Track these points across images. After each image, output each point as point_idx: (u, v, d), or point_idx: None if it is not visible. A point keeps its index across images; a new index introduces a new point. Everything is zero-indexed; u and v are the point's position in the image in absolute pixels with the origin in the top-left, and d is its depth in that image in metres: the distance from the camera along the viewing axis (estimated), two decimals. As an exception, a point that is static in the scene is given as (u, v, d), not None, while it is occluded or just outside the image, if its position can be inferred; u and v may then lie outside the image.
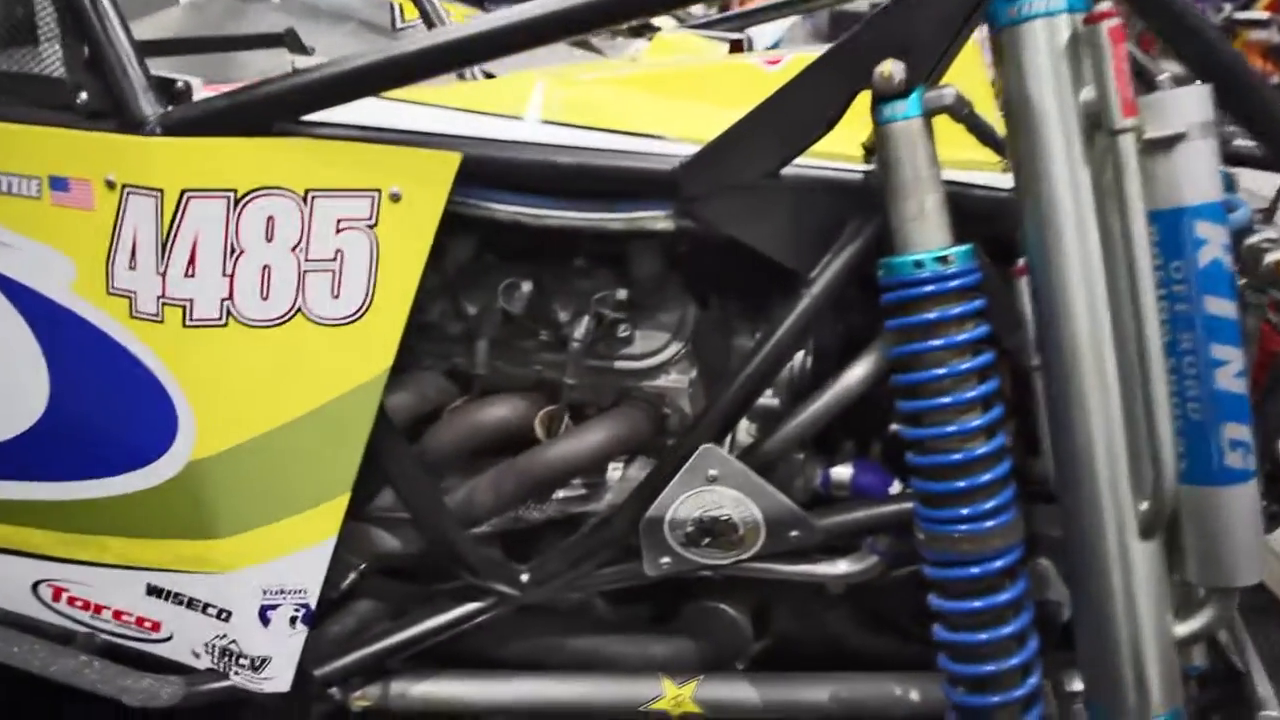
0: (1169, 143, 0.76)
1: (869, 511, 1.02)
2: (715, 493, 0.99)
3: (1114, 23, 0.75)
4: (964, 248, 0.84)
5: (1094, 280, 0.79)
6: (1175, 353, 0.78)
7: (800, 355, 1.05)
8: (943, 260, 0.83)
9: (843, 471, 1.07)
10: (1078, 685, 0.92)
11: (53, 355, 0.98)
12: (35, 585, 1.06)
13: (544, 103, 1.01)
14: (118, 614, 1.04)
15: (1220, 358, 0.77)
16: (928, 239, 0.83)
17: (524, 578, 1.08)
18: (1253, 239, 0.84)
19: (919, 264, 0.83)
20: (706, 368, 1.07)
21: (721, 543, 1.01)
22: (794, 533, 1.00)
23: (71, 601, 1.05)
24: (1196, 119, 0.76)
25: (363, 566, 1.08)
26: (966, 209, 0.87)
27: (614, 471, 1.09)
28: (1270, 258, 0.82)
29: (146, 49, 0.97)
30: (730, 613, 1.16)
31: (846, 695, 1.09)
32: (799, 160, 0.92)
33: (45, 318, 0.97)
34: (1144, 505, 0.79)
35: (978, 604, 0.85)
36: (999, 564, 0.85)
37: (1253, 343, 0.89)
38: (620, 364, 1.07)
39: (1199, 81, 0.81)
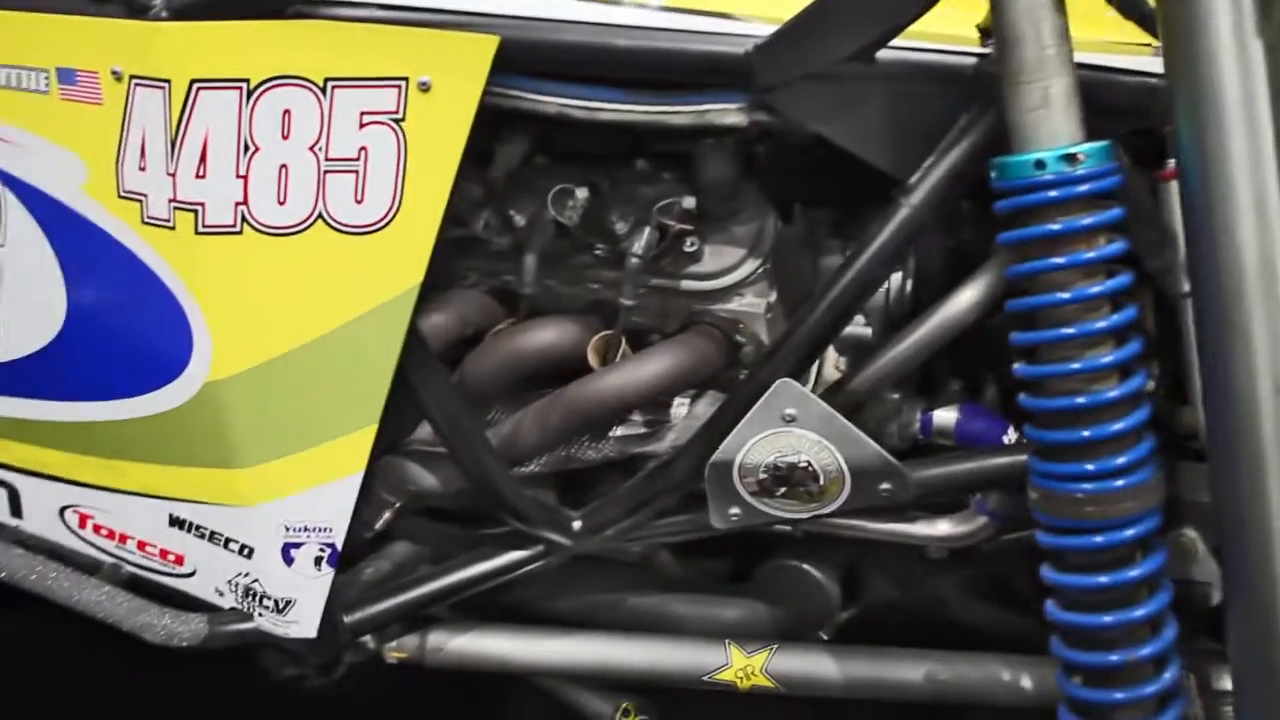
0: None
1: (977, 464, 0.94)
2: (792, 435, 0.92)
3: None
4: (1099, 144, 0.74)
5: (1265, 189, 0.68)
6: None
7: (898, 277, 0.96)
8: (1070, 159, 0.73)
9: (947, 416, 0.99)
10: (1227, 684, 0.83)
11: (68, 265, 0.98)
12: (62, 510, 1.08)
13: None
14: (141, 544, 1.05)
15: None
16: (1053, 133, 0.74)
17: (576, 525, 1.04)
18: None
19: (1040, 164, 0.73)
20: (788, 290, 1.00)
21: (799, 494, 0.95)
22: (885, 485, 0.93)
23: (97, 529, 1.06)
24: None
25: (398, 505, 1.06)
26: (1104, 99, 0.77)
27: (679, 408, 1.03)
28: None
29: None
30: (814, 575, 1.11)
31: (945, 676, 1.03)
32: (897, 43, 0.83)
33: (59, 223, 0.96)
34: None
35: (1102, 579, 0.77)
36: (1130, 532, 0.77)
37: None
38: (687, 284, 1.01)
39: None
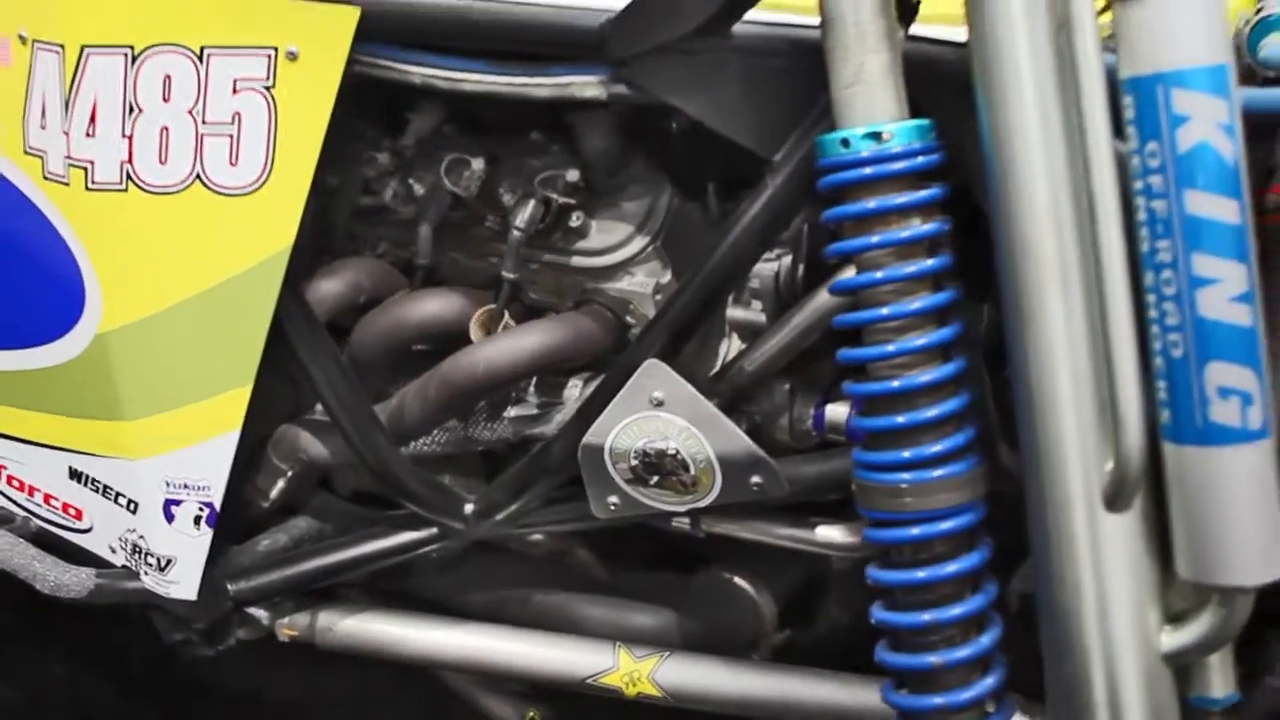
0: (1145, -11, 0.74)
1: (856, 461, 1.05)
2: (660, 420, 1.07)
3: None
4: (912, 123, 0.86)
5: (1053, 168, 0.79)
6: (1152, 265, 0.77)
7: (790, 259, 1.08)
8: (877, 137, 0.85)
9: (839, 411, 1.10)
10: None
11: (-16, 216, 1.21)
12: (-19, 461, 1.32)
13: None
14: (47, 498, 1.27)
15: (1206, 274, 0.76)
16: (866, 110, 0.86)
17: (468, 509, 1.20)
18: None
19: (845, 141, 0.86)
20: (683, 270, 1.13)
21: (673, 483, 1.09)
22: (756, 479, 1.06)
23: (10, 481, 1.29)
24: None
25: (290, 474, 1.25)
26: (945, 74, 0.88)
27: (572, 389, 1.18)
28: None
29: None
30: (744, 589, 1.22)
31: (851, 701, 1.12)
32: (757, 15, 0.96)
33: (-25, 176, 1.19)
34: (1109, 466, 0.79)
35: (919, 575, 0.88)
36: (947, 525, 0.87)
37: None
38: (576, 260, 1.16)
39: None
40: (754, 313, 1.11)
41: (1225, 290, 0.75)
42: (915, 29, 0.92)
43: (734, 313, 1.10)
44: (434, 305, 1.17)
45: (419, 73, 1.06)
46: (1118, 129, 0.77)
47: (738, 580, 1.22)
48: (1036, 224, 0.80)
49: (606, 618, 1.26)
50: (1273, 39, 0.92)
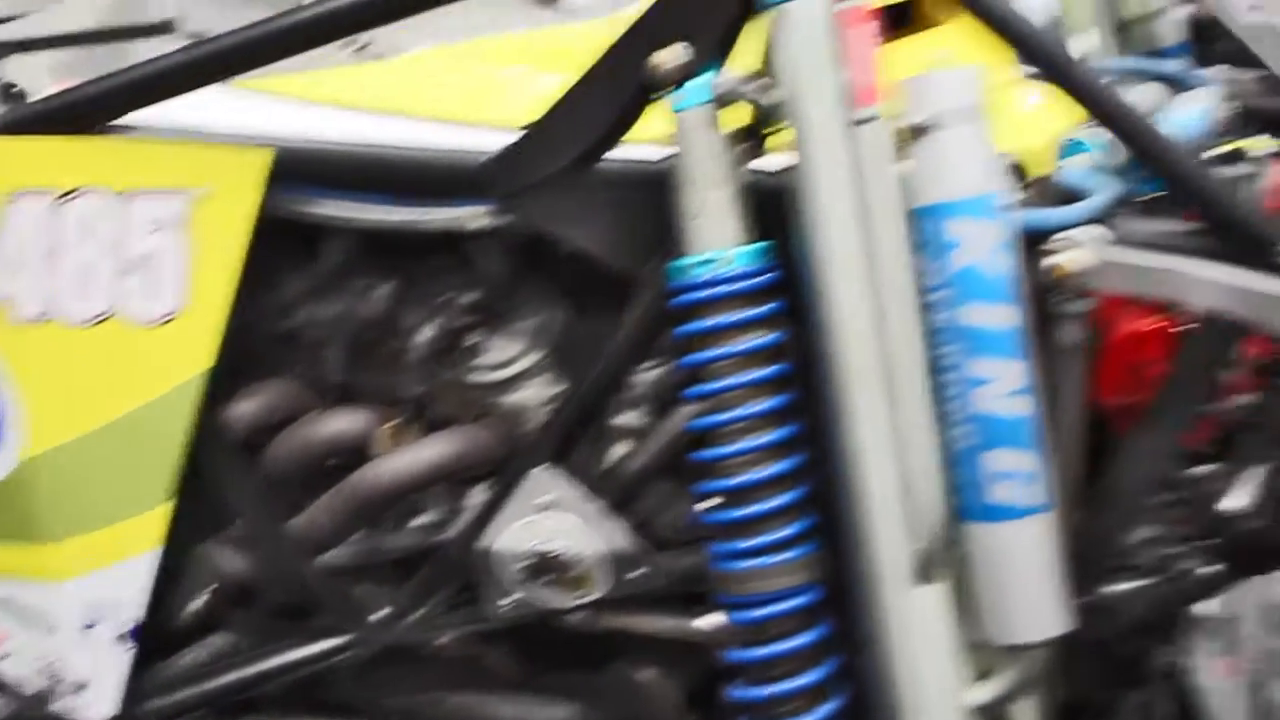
0: (923, 131, 0.96)
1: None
2: (549, 521, 1.24)
3: (852, 4, 0.96)
4: (750, 248, 1.06)
5: (860, 287, 0.99)
6: (941, 369, 0.97)
7: (668, 366, 1.28)
8: (715, 262, 1.05)
9: (713, 506, 1.28)
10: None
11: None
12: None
13: (377, 86, 1.32)
14: (-28, 623, 1.42)
15: (983, 375, 0.95)
16: (709, 239, 1.06)
17: (376, 617, 1.37)
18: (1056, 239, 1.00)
19: (688, 268, 1.06)
20: (572, 380, 1.32)
21: (562, 581, 1.26)
22: (636, 573, 1.23)
23: (-58, 607, 1.45)
24: (953, 105, 0.96)
25: (211, 591, 1.41)
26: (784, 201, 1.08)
27: (473, 497, 1.36)
28: (1051, 261, 0.98)
29: (21, 46, 1.38)
30: (650, 680, 1.38)
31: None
32: (622, 150, 1.17)
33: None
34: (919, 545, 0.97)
35: (762, 652, 1.05)
36: (784, 606, 1.05)
37: (1077, 357, 1.04)
38: (474, 376, 1.35)
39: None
40: (636, 417, 1.29)
41: (1001, 387, 0.95)
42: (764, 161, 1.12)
43: (618, 419, 1.29)
44: (343, 422, 1.35)
45: (326, 210, 1.26)
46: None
47: (643, 672, 1.38)
48: (849, 335, 1.00)
49: (517, 716, 1.42)
50: (1074, 161, 1.14)
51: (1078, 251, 1.00)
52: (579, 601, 1.27)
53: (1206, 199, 1.04)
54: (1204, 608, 1.51)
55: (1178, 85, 1.79)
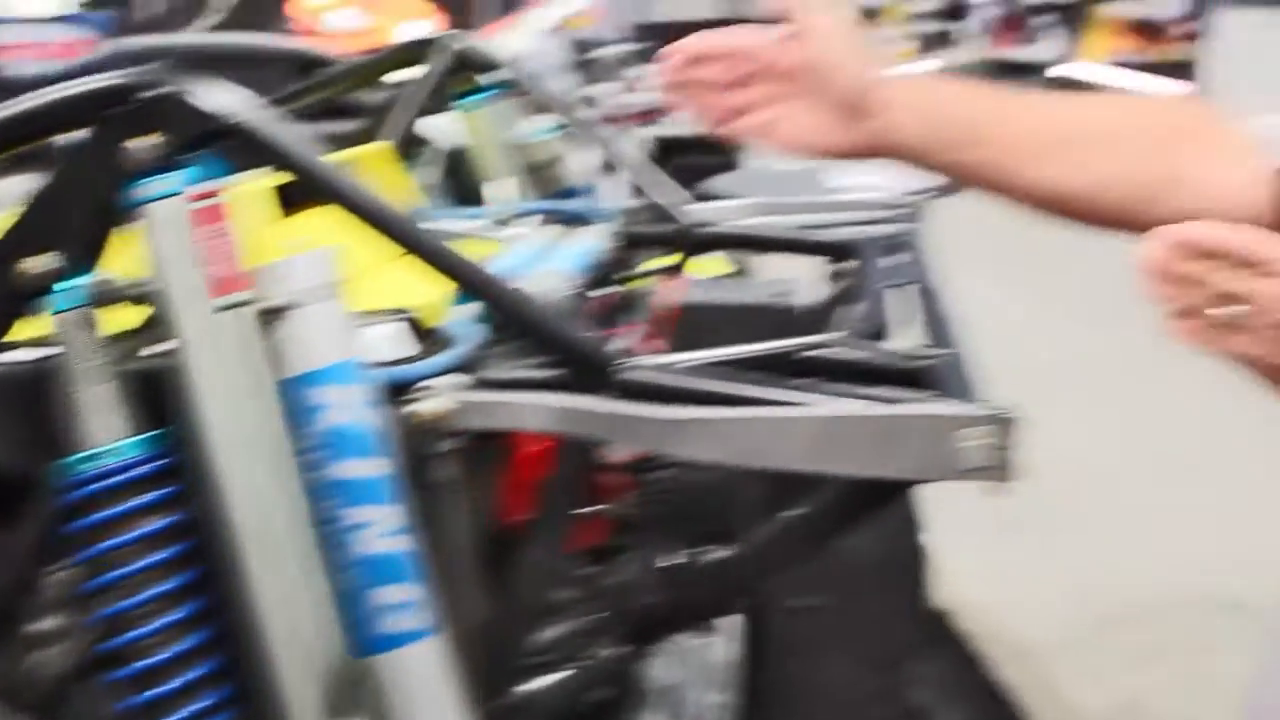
0: (281, 311, 1.07)
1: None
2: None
3: (202, 204, 1.06)
4: (136, 439, 1.12)
5: (239, 458, 1.09)
6: (322, 520, 1.08)
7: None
8: (102, 457, 1.11)
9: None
10: None
11: None
12: None
13: None
14: None
15: (360, 521, 1.07)
16: (96, 434, 1.12)
17: None
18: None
19: (77, 465, 1.11)
20: None
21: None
22: None
23: None
24: (308, 284, 1.08)
25: None
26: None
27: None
28: (413, 409, 1.13)
29: None
30: None
31: None
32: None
33: None
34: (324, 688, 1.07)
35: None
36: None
37: (456, 490, 1.19)
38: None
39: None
40: (54, 620, 1.31)
41: (377, 529, 1.07)
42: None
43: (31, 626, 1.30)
44: None
45: None
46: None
47: None
48: (234, 505, 1.08)
49: None
50: (458, 311, 1.30)
51: (434, 399, 1.15)
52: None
53: (547, 335, 1.23)
54: (649, 678, 1.72)
55: (581, 221, 2.06)
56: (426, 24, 12.76)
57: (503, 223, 2.02)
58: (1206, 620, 3.52)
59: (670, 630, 1.48)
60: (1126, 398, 4.90)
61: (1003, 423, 1.04)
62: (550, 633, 1.38)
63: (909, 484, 1.19)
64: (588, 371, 1.21)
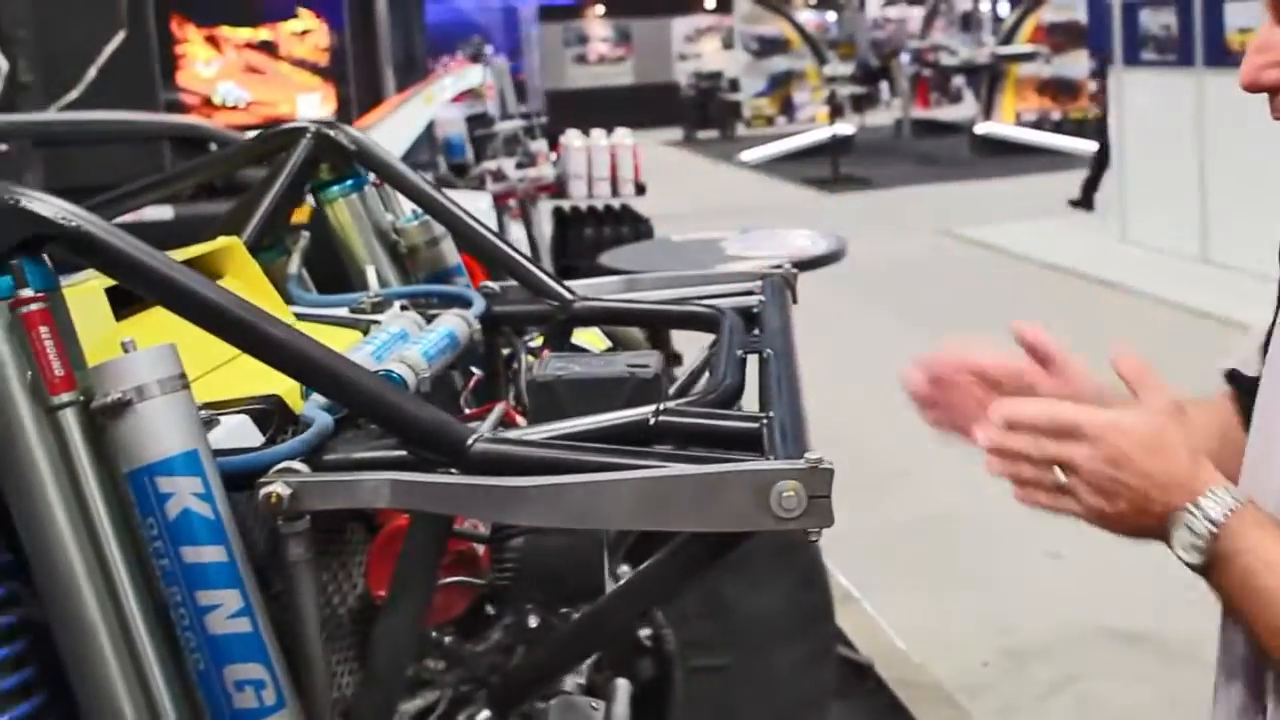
0: (121, 406, 1.12)
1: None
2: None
3: (31, 308, 1.12)
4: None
5: (77, 552, 1.14)
6: (173, 605, 1.13)
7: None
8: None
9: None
10: None
11: None
12: None
13: None
14: None
15: (208, 603, 1.13)
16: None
17: None
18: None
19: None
20: None
21: None
22: None
23: None
24: (148, 378, 1.14)
25: None
26: None
27: None
28: (262, 493, 1.19)
29: None
30: None
31: None
32: None
33: None
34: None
35: None
36: None
37: (306, 567, 1.25)
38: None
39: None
40: None
41: (225, 610, 1.13)
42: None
43: None
44: None
45: None
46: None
47: None
48: (73, 600, 1.13)
49: None
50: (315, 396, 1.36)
51: (279, 482, 1.20)
52: None
53: (394, 416, 1.29)
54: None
55: (453, 302, 2.12)
56: (316, 97, 12.91)
57: (367, 309, 2.09)
58: (1107, 652, 3.63)
59: (536, 693, 1.54)
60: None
61: (815, 474, 1.13)
62: (418, 702, 1.43)
63: (742, 535, 1.26)
64: (435, 448, 1.28)
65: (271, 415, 1.47)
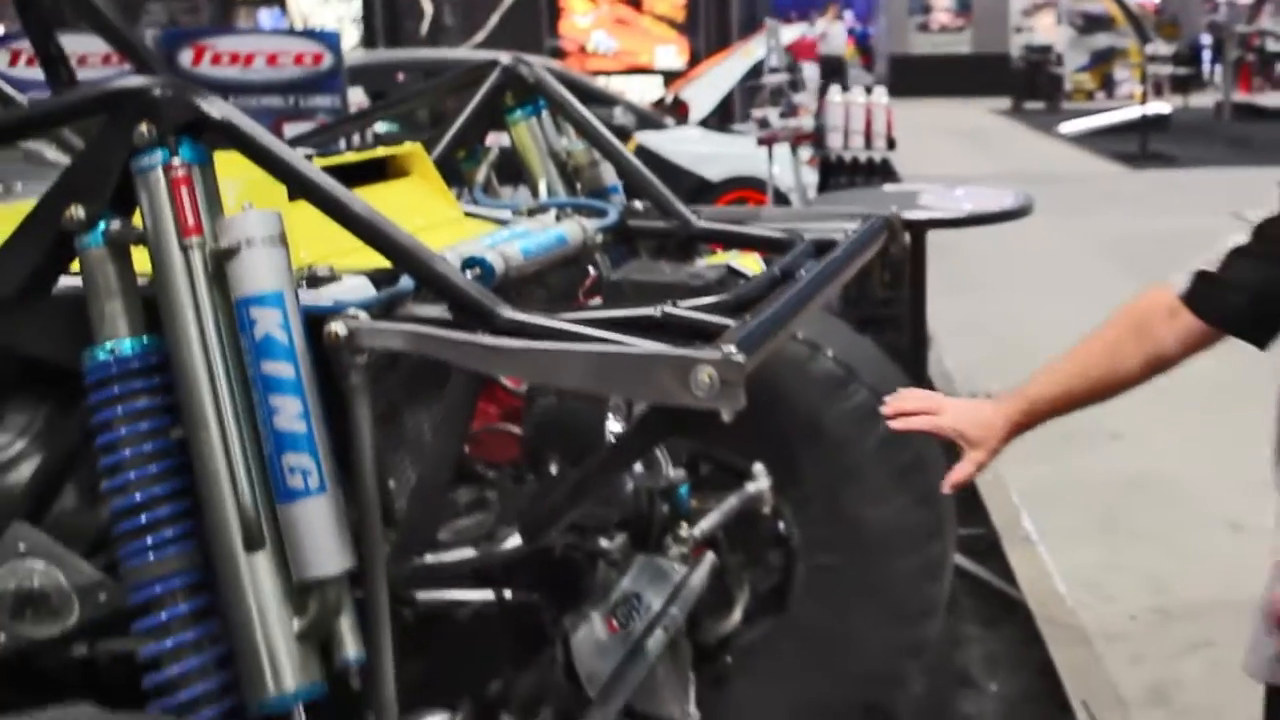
0: (232, 252, 1.54)
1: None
2: (26, 564, 1.72)
3: (179, 173, 1.55)
4: (134, 339, 1.61)
5: (197, 354, 1.58)
6: (257, 405, 1.54)
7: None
8: (111, 350, 1.59)
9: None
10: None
11: None
12: None
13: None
14: None
15: (275, 406, 1.54)
16: (108, 333, 1.61)
17: None
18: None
19: (96, 354, 1.60)
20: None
21: (42, 613, 1.73)
22: (102, 596, 1.72)
23: None
24: (254, 233, 1.55)
25: None
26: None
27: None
28: (328, 330, 1.58)
29: None
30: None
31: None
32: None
33: None
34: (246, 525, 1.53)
35: (161, 617, 1.57)
36: (176, 583, 1.58)
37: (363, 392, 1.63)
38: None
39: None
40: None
41: (288, 413, 1.54)
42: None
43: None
44: None
45: None
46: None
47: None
48: (193, 387, 1.57)
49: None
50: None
51: (340, 322, 1.59)
52: (63, 627, 1.74)
53: (442, 286, 1.67)
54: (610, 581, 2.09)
55: (591, 213, 2.48)
56: (673, 49, 13.79)
57: (524, 213, 2.48)
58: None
59: (552, 525, 1.89)
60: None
61: (728, 364, 1.43)
62: (454, 526, 1.81)
63: (701, 413, 1.56)
64: (469, 314, 1.65)
65: (387, 280, 1.87)
